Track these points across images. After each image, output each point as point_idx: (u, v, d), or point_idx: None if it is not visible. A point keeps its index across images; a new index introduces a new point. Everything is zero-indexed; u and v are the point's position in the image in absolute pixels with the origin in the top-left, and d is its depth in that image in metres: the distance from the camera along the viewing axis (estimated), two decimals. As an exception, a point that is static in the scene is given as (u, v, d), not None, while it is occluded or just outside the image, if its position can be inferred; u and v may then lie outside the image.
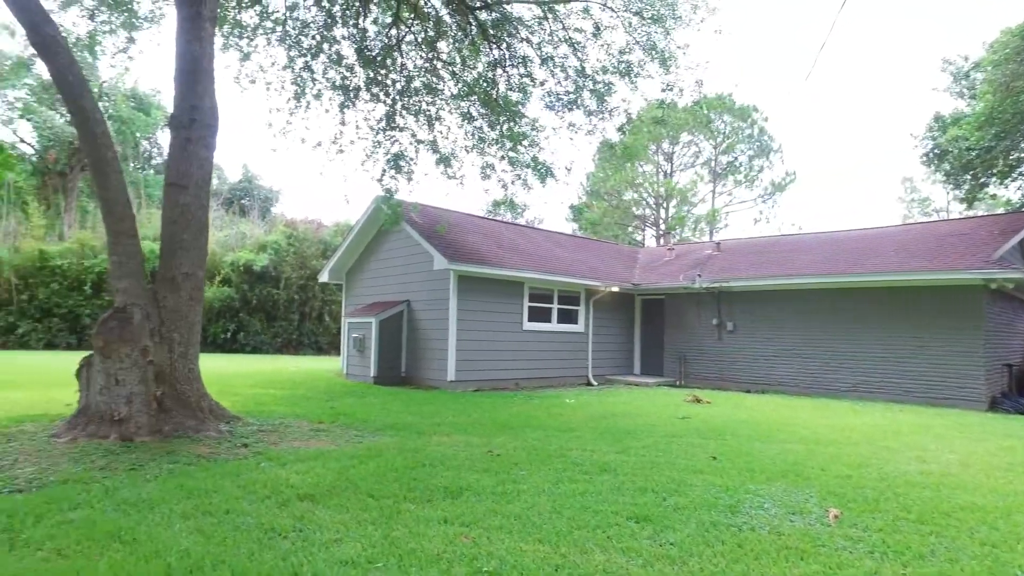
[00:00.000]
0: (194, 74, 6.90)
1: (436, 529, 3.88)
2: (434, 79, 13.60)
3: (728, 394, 14.13)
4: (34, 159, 35.17)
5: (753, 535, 3.96)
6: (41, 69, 34.76)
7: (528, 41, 11.96)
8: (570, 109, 11.78)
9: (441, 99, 13.67)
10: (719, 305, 16.05)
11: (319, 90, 13.58)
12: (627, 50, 11.46)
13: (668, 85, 11.37)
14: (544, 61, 11.77)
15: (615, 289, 16.61)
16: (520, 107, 12.60)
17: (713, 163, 39.35)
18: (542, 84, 12.11)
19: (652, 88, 37.78)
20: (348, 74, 13.48)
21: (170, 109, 7.15)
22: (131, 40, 12.18)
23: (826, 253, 15.59)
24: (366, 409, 9.47)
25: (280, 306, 27.59)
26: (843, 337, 14.02)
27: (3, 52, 34.58)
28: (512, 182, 13.30)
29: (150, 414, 6.45)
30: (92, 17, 11.15)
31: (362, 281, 16.61)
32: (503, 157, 13.11)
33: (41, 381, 11.50)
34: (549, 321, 15.55)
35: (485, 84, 13.04)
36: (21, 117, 34.75)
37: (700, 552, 3.65)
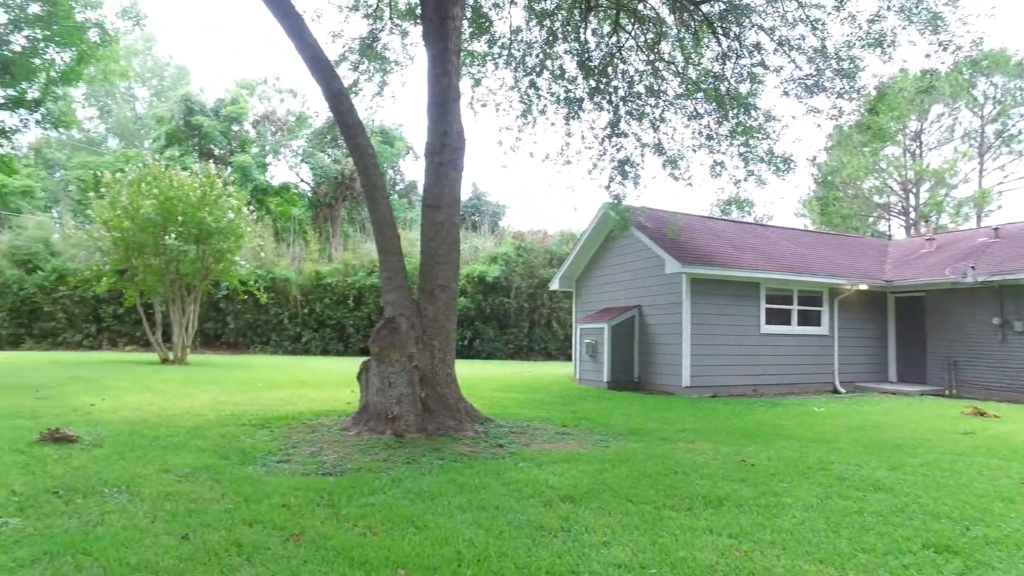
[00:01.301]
0: (443, 104, 7.60)
1: (704, 539, 3.75)
2: (656, 81, 13.43)
3: (1021, 407, 11.87)
4: (310, 195, 41.49)
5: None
6: (314, 120, 40.98)
7: (759, 27, 11.25)
8: (812, 93, 10.82)
9: (665, 100, 13.45)
10: (1002, 302, 13.55)
11: (544, 105, 14.14)
12: (878, 18, 10.22)
13: (943, 44, 9.76)
14: (779, 45, 10.97)
15: (863, 287, 14.88)
16: (752, 98, 11.90)
17: (979, 135, 33.52)
18: (777, 71, 11.30)
19: (910, 56, 33.32)
20: (571, 87, 13.86)
21: (410, 139, 8.00)
22: (384, 83, 13.75)
23: None
24: (605, 414, 9.58)
25: (511, 314, 29.14)
26: None
27: (290, 110, 41.57)
28: (744, 179, 12.62)
29: (416, 414, 7.17)
30: (356, 68, 12.79)
31: (592, 287, 16.89)
32: (735, 154, 12.49)
33: (325, 382, 13.41)
34: (788, 323, 14.42)
35: (712, 79, 12.55)
36: (302, 162, 41.32)
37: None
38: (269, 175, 41.16)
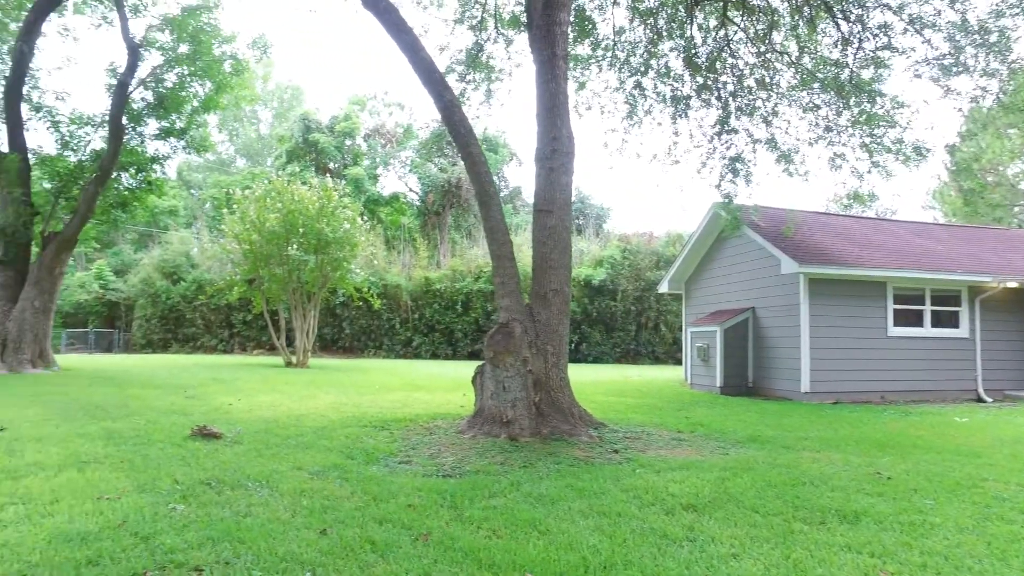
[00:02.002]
0: (553, 109, 7.66)
1: (842, 556, 3.55)
2: (768, 73, 12.87)
3: None
4: (418, 204, 43.02)
5: None
6: (421, 132, 42.51)
7: (886, 6, 10.51)
8: (950, 74, 9.96)
9: (778, 93, 12.86)
10: None
11: (650, 105, 13.91)
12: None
13: None
14: (910, 24, 10.19)
15: (1012, 285, 13.48)
16: (876, 84, 11.14)
17: None
18: (906, 52, 10.50)
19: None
20: (677, 85, 13.55)
21: (513, 146, 8.10)
22: (489, 92, 14.02)
23: None
24: (721, 420, 9.27)
25: (618, 317, 28.82)
26: None
27: (398, 123, 43.42)
28: (868, 171, 11.84)
29: (531, 418, 7.24)
30: (463, 79, 13.13)
31: (702, 289, 16.40)
32: (857, 145, 11.75)
33: (437, 385, 13.82)
34: (920, 325, 13.35)
35: (830, 67, 11.87)
36: (410, 172, 43.01)
37: None
38: (380, 186, 43.05)
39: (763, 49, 12.85)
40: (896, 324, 13.10)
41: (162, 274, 32.82)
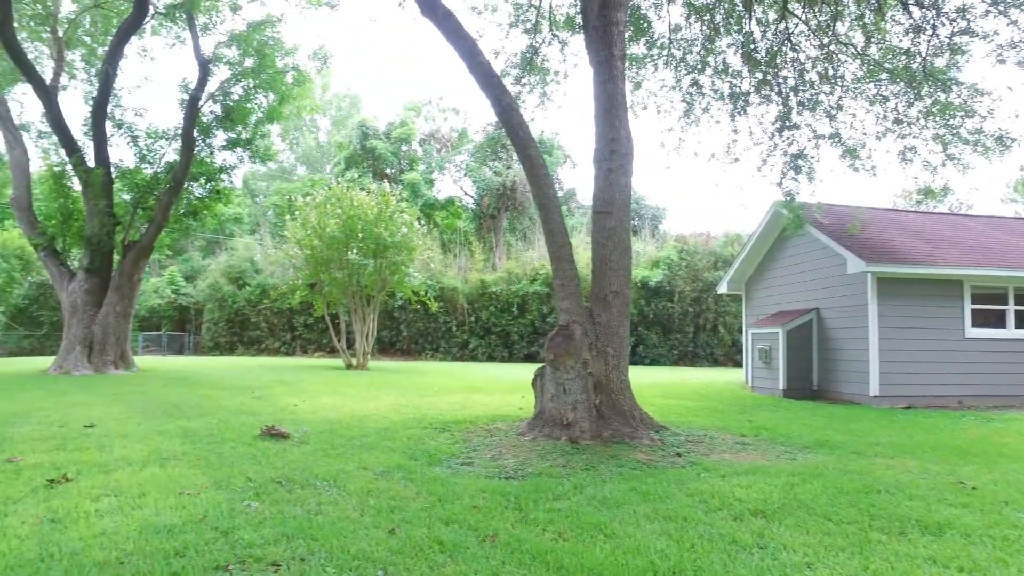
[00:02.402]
0: (611, 110, 7.62)
1: (926, 569, 3.40)
2: (832, 66, 12.46)
3: None
4: (473, 207, 43.44)
5: None
6: (476, 136, 42.96)
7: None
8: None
9: (842, 86, 12.44)
10: None
11: (708, 103, 13.66)
12: None
13: None
14: (992, 5, 9.68)
15: (1108, 282, 12.64)
16: (952, 72, 10.63)
17: None
18: (987, 37, 9.97)
19: None
20: (736, 81, 13.27)
21: (567, 148, 8.08)
22: (544, 95, 14.05)
23: None
24: (785, 424, 9.01)
25: (675, 319, 28.38)
26: None
27: (453, 127, 44.03)
28: (942, 164, 11.32)
29: (591, 420, 7.21)
30: (518, 82, 13.20)
31: (763, 290, 15.99)
32: (930, 137, 11.24)
33: (495, 387, 13.91)
34: (1003, 326, 12.65)
35: (900, 56, 11.40)
36: (465, 176, 43.51)
37: None
38: (435, 190, 43.66)
39: (826, 41, 12.46)
40: (975, 325, 12.45)
41: (228, 279, 34.10)
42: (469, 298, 30.40)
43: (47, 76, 17.81)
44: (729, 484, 5.19)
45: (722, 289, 17.59)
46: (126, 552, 3.43)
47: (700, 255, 29.16)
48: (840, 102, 12.42)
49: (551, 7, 13.32)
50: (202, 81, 17.38)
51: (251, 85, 17.97)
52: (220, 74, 18.03)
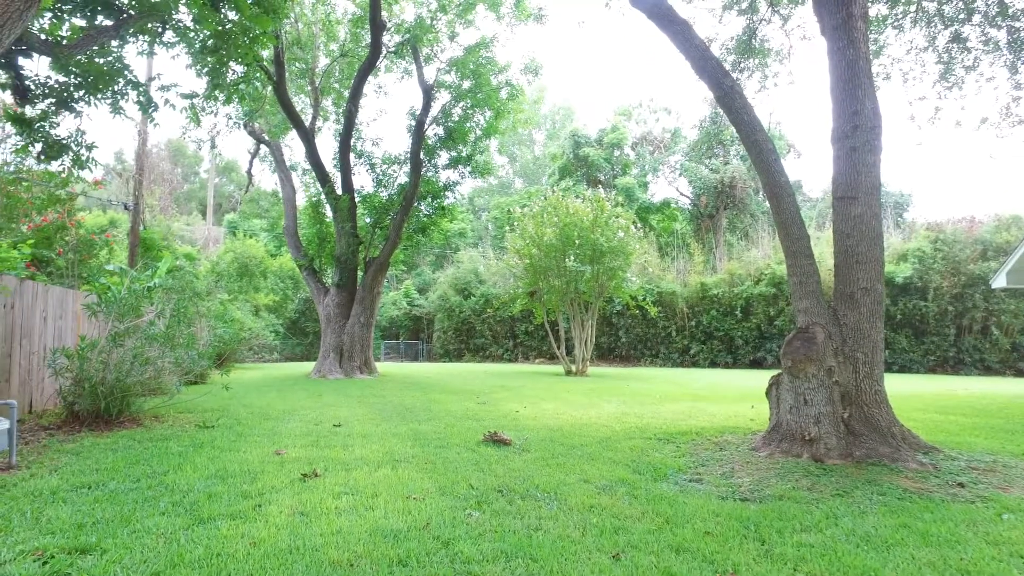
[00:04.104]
0: (851, 80, 6.57)
1: None
2: None
3: None
4: (690, 208, 41.84)
5: None
6: (689, 134, 41.46)
7: None
8: None
9: None
10: None
11: (975, 58, 11.47)
12: None
13: None
14: None
15: None
16: None
17: None
18: None
19: None
20: (1018, 25, 10.92)
21: (790, 137, 7.07)
22: (765, 78, 12.89)
23: None
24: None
25: (929, 320, 24.44)
26: None
27: (665, 128, 42.94)
28: None
29: (839, 436, 6.23)
30: (735, 68, 12.26)
31: (1061, 283, 12.98)
32: None
33: (721, 396, 12.96)
34: None
35: None
36: (680, 176, 42.12)
37: None
38: (650, 193, 42.78)
39: None
40: None
41: (455, 290, 36.63)
42: (689, 302, 29.16)
43: (307, 121, 20.61)
44: (1045, 530, 4.04)
45: (998, 283, 14.65)
46: (356, 554, 3.53)
47: (961, 244, 24.77)
48: None
49: (770, -21, 12.20)
50: (426, 106, 18.84)
51: (469, 105, 19.05)
52: (441, 98, 19.40)
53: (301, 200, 21.70)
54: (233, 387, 13.33)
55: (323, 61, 21.49)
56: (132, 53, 12.15)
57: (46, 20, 8.64)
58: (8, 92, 8.79)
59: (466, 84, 18.87)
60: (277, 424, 8.41)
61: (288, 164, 21.46)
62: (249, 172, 23.43)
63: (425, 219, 20.42)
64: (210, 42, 9.71)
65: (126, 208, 19.43)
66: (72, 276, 15.46)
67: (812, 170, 74.91)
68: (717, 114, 16.62)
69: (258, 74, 16.82)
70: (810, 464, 6.01)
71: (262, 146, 22.18)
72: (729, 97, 6.77)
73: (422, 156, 19.14)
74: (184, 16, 9.49)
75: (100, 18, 8.66)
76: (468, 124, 19.23)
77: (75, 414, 8.24)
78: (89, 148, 9.15)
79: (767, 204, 40.06)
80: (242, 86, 13.00)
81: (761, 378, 15.45)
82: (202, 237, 41.91)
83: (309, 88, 21.19)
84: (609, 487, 5.15)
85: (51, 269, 15.02)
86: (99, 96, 9.22)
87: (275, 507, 4.42)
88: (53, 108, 8.88)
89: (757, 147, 6.58)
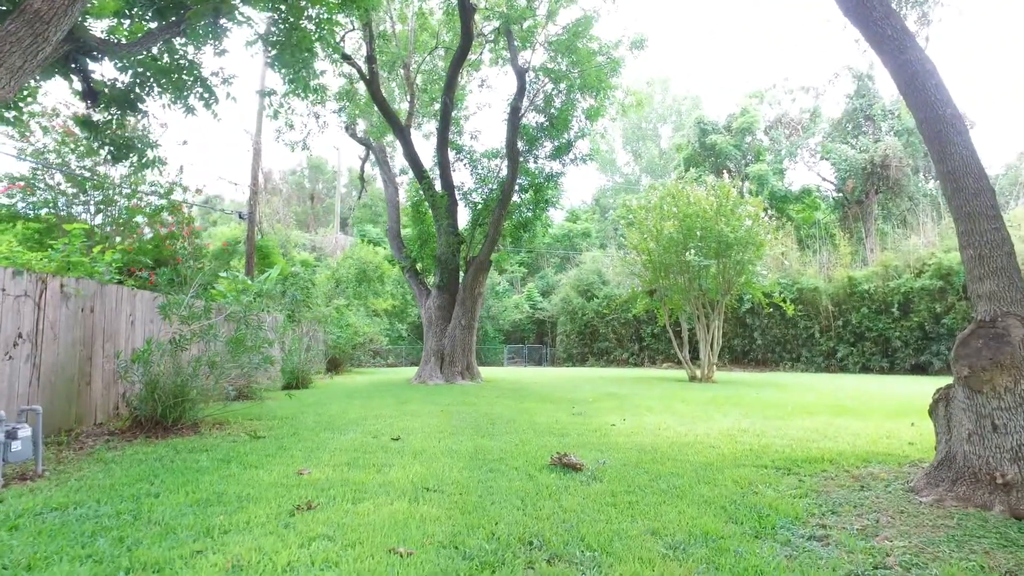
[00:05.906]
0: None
1: None
2: None
3: None
4: (834, 194, 37.62)
5: None
6: (832, 111, 37.29)
7: None
8: None
9: None
10: None
11: None
12: None
13: None
14: None
15: None
16: None
17: None
18: None
19: None
20: None
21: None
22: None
23: None
24: None
25: None
26: None
27: (803, 108, 39.05)
28: None
29: (1050, 478, 4.24)
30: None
31: None
32: None
33: (871, 409, 10.64)
34: None
35: None
36: (822, 159, 38.02)
37: None
38: (787, 181, 38.98)
39: None
40: None
41: (578, 292, 35.29)
42: (834, 299, 25.80)
43: (403, 119, 20.23)
44: None
45: None
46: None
47: None
48: None
49: None
50: (521, 90, 17.70)
51: (567, 88, 17.73)
52: (540, 84, 18.20)
53: (404, 201, 21.43)
54: (326, 392, 12.92)
55: (416, 56, 21.09)
56: (209, 54, 12.09)
57: (104, 23, 8.46)
58: (79, 98, 8.70)
59: (563, 64, 17.52)
60: (332, 436, 7.56)
61: (390, 165, 21.26)
62: (361, 177, 23.60)
63: (528, 214, 19.28)
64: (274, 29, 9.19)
65: (240, 217, 20.03)
66: (185, 283, 15.95)
67: (989, 142, 65.57)
68: (864, 84, 14.05)
69: (343, 68, 16.57)
70: (1006, 521, 4.11)
71: (371, 151, 22.19)
72: (900, 42, 4.86)
73: (520, 146, 18.03)
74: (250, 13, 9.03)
75: (158, 18, 8.35)
76: (569, 110, 17.87)
77: (137, 420, 7.95)
78: (153, 147, 8.90)
79: (929, 184, 34.79)
80: (319, 80, 12.59)
81: (925, 387, 12.71)
82: (330, 245, 43.69)
83: (405, 84, 20.84)
84: (683, 546, 3.62)
85: (171, 276, 15.56)
86: (169, 94, 8.96)
87: (218, 556, 3.38)
88: (118, 113, 8.69)
89: (908, 68, 4.68)
